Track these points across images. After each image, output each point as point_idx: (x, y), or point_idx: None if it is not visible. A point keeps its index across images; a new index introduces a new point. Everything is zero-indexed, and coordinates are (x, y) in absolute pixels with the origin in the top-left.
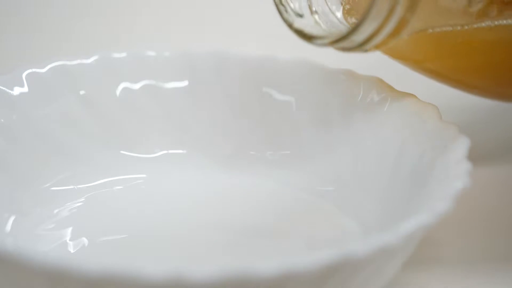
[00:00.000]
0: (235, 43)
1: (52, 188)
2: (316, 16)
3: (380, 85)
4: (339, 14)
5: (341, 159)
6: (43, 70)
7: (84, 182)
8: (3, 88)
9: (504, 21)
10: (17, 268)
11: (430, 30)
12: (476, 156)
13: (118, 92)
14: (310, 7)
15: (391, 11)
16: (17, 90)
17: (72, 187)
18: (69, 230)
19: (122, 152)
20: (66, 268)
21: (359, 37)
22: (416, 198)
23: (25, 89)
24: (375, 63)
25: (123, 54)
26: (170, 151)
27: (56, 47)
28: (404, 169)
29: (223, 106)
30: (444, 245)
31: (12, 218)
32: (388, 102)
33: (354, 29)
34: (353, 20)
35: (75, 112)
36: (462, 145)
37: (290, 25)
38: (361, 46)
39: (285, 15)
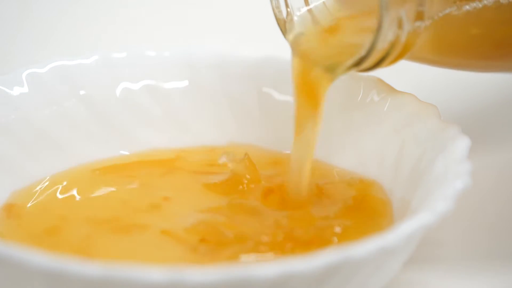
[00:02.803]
0: (235, 43)
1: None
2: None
3: (380, 85)
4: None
5: (341, 159)
6: (43, 70)
7: None
8: (3, 88)
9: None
10: (17, 268)
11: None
12: (476, 156)
13: (118, 92)
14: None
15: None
16: (17, 90)
17: None
18: None
19: (122, 152)
20: (66, 268)
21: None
22: (416, 198)
23: (25, 89)
24: None
25: (123, 54)
26: None
27: (56, 47)
28: (404, 169)
29: (223, 106)
30: (444, 245)
31: None
32: (388, 102)
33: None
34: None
35: (75, 112)
36: (462, 145)
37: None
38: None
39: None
